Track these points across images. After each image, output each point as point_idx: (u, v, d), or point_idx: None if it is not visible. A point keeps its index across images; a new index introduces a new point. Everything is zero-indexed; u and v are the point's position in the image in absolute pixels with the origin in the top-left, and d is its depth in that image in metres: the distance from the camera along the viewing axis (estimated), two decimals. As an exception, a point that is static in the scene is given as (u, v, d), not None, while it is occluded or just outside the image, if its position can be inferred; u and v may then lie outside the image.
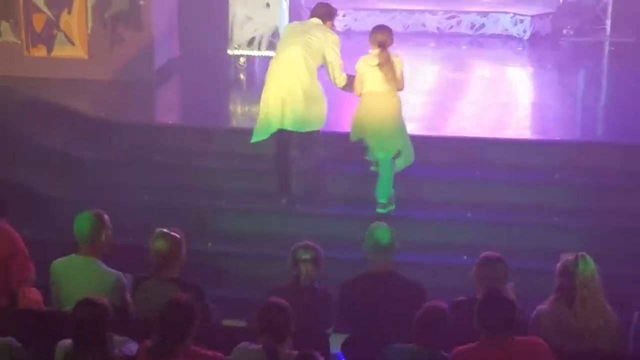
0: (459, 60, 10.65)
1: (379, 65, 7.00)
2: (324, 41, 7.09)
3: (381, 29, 7.17)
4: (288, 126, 7.08)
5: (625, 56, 10.88)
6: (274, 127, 7.11)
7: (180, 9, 10.40)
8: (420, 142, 7.81)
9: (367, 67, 7.06)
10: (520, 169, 7.62)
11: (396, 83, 7.07)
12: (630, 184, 7.45)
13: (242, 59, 9.64)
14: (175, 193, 7.64)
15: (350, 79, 7.21)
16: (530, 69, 10.57)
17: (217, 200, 7.54)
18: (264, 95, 7.21)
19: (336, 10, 7.45)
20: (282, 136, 7.19)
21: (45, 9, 9.50)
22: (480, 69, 10.23)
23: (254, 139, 7.26)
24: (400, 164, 7.21)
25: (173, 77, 9.91)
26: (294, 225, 7.15)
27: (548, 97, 9.49)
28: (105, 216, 5.37)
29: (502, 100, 8.99)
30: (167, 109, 9.29)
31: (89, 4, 9.41)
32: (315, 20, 7.24)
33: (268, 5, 9.33)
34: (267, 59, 9.57)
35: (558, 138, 7.92)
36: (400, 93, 7.19)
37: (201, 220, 7.32)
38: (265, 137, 7.20)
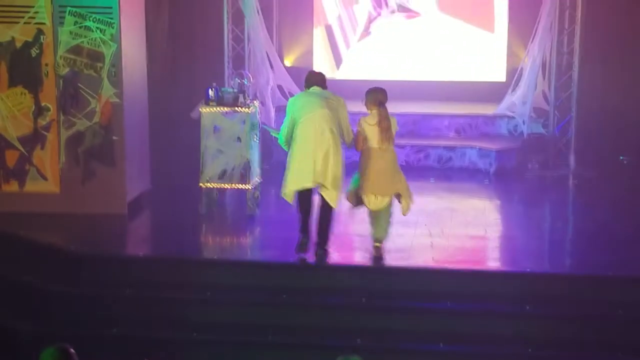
0: (427, 192, 10.83)
1: (378, 122, 7.83)
2: (337, 102, 7.95)
3: (379, 89, 8.00)
4: (324, 181, 7.78)
5: (589, 190, 11.15)
6: (308, 183, 7.80)
7: (152, 143, 10.56)
8: (390, 273, 7.90)
9: (368, 126, 7.92)
10: (491, 299, 7.65)
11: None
12: (599, 315, 7.50)
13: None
14: (146, 325, 7.55)
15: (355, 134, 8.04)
16: (497, 202, 10.77)
17: (188, 333, 7.46)
18: (297, 155, 7.82)
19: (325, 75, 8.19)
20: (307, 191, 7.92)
21: (18, 145, 9.59)
22: (448, 201, 10.40)
23: (290, 199, 7.94)
24: (405, 207, 8.09)
25: (145, 210, 9.96)
26: (267, 357, 7.10)
27: (515, 229, 9.63)
28: (72, 350, 5.28)
29: (471, 232, 9.11)
30: (139, 242, 9.28)
31: (62, 139, 9.52)
32: (317, 88, 8.00)
33: (239, 139, 9.52)
34: (239, 191, 9.75)
35: (528, 270, 7.99)
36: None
37: (172, 353, 7.22)
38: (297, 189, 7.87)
